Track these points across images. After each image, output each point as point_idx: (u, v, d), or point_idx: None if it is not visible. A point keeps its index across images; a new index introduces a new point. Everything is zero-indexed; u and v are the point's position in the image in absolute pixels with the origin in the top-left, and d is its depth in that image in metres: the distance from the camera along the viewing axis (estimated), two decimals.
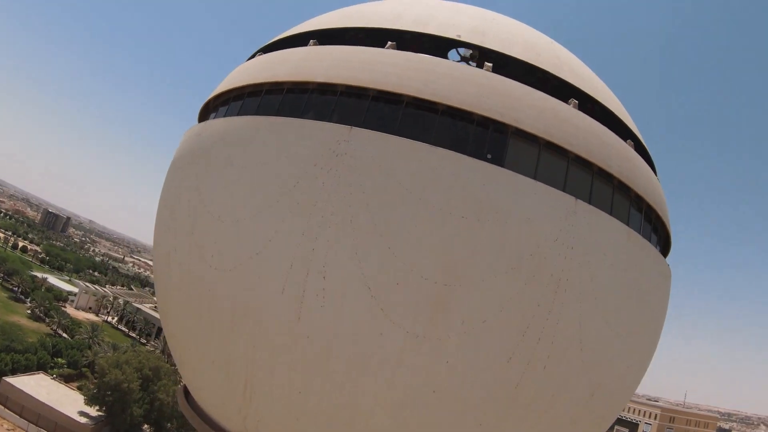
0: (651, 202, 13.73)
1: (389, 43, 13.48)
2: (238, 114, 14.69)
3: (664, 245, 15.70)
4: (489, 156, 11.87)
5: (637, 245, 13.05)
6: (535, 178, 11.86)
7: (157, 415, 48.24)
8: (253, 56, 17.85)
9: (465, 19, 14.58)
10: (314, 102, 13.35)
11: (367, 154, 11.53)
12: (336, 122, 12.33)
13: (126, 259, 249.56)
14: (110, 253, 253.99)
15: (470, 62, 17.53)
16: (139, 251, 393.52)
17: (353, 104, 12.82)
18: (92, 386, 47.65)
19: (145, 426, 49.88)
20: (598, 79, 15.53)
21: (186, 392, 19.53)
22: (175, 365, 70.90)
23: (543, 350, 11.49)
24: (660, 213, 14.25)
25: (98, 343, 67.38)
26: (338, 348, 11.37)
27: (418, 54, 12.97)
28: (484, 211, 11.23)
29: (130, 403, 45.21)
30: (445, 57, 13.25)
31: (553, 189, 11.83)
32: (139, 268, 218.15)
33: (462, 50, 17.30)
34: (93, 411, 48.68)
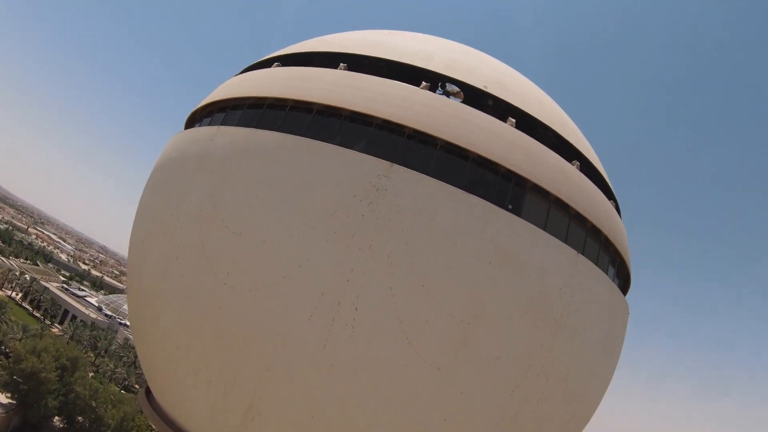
0: (625, 258, 15.03)
1: (423, 83, 13.38)
2: (257, 126, 13.62)
3: (623, 287, 17.11)
4: (510, 206, 12.22)
5: (614, 295, 14.22)
6: (545, 229, 12.41)
7: (70, 408, 42.68)
8: (266, 63, 16.72)
9: (487, 70, 14.92)
10: (344, 128, 12.85)
11: (407, 193, 11.34)
12: (365, 153, 11.96)
13: (30, 230, 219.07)
14: (13, 221, 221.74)
15: (450, 96, 17.92)
16: (42, 223, 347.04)
17: (386, 138, 12.53)
18: (3, 371, 41.06)
19: (56, 418, 43.92)
20: (585, 139, 16.61)
21: (147, 395, 17.71)
22: (89, 356, 63.53)
23: (539, 385, 12.06)
24: (629, 266, 15.63)
25: (6, 322, 58.21)
26: (361, 377, 11.02)
27: (453, 101, 13.04)
28: (507, 258, 11.56)
29: (46, 393, 39.53)
30: (477, 106, 13.31)
31: (559, 241, 12.49)
32: (42, 242, 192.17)
33: (448, 86, 17.64)
34: (3, 398, 41.93)
